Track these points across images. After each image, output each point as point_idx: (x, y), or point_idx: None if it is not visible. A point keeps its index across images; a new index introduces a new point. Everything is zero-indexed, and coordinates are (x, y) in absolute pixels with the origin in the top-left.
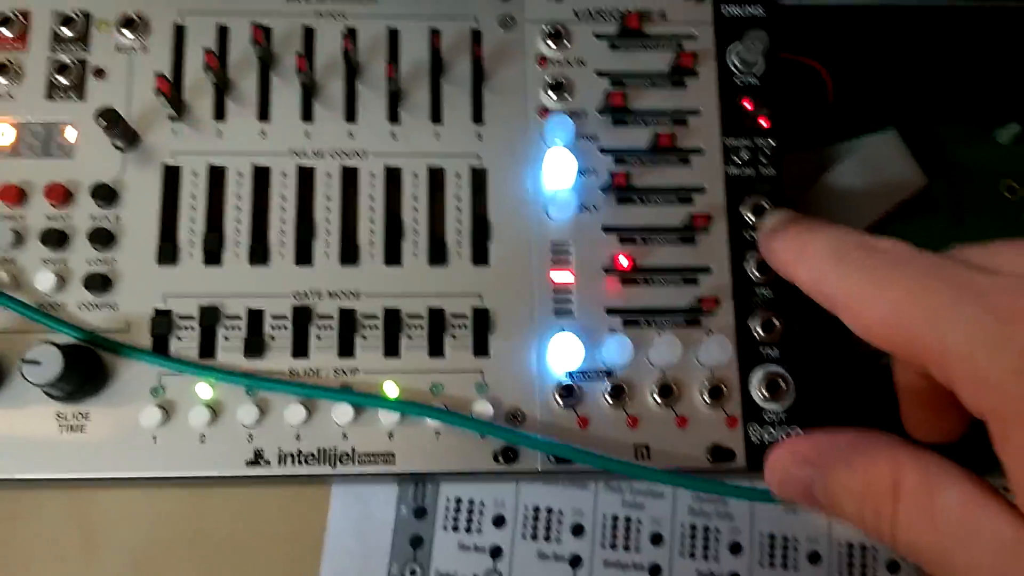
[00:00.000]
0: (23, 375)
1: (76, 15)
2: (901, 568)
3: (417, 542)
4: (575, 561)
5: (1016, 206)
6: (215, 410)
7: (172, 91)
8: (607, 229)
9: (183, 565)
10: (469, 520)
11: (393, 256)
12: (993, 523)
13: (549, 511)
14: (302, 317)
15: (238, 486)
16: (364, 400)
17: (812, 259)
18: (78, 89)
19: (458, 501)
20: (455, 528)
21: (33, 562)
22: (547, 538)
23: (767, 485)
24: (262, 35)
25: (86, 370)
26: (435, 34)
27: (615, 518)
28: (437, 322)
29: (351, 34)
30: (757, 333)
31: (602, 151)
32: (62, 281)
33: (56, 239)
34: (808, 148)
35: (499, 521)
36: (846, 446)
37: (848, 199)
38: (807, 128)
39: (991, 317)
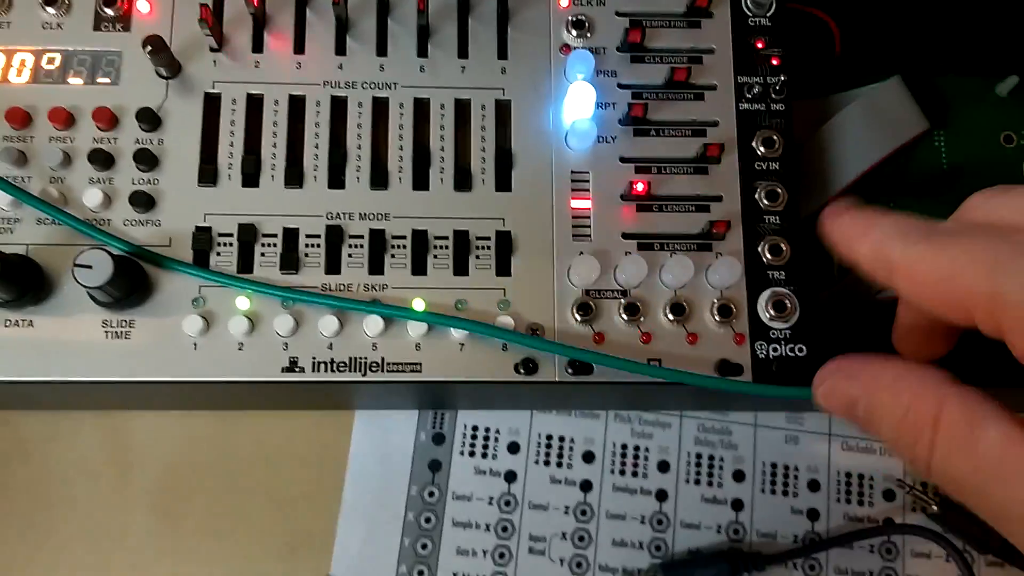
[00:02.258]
0: (75, 278)
1: None
2: (896, 497)
3: (435, 466)
4: (586, 485)
5: (1013, 155)
6: (252, 320)
7: (214, 22)
8: (624, 159)
9: (211, 486)
10: (485, 446)
11: (421, 182)
12: None
13: (561, 439)
14: (334, 236)
15: (268, 401)
16: (393, 311)
17: (878, 235)
18: (124, 21)
19: (474, 428)
20: (471, 453)
21: (69, 481)
22: (559, 464)
23: (813, 393)
24: None
25: (132, 279)
26: None
27: (624, 446)
28: (462, 243)
29: None
30: (765, 257)
31: (620, 86)
32: (108, 199)
33: (103, 159)
34: (815, 96)
35: (513, 448)
36: (895, 374)
37: (852, 141)
38: (814, 77)
39: None
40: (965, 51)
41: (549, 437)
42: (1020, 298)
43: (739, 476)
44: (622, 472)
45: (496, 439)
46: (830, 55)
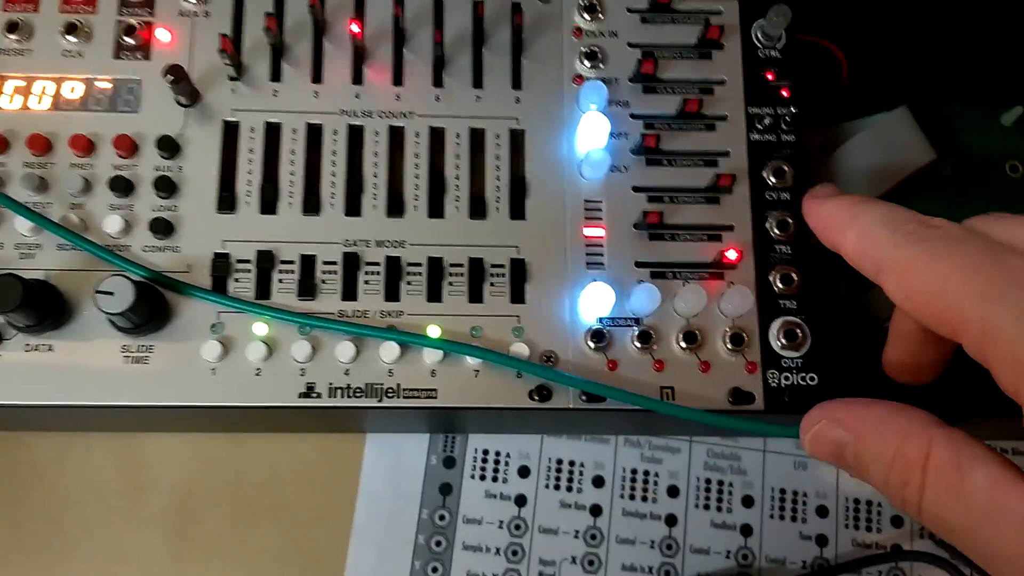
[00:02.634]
0: (97, 304)
1: None
2: (904, 523)
3: (446, 489)
4: (595, 510)
5: (1018, 184)
6: (270, 346)
7: (233, 51)
8: (637, 189)
9: (223, 508)
10: (496, 470)
11: (436, 209)
12: (1020, 502)
13: (571, 463)
14: (351, 263)
15: (284, 427)
16: (409, 338)
17: (864, 225)
18: (144, 50)
19: (485, 452)
20: (482, 477)
21: (81, 502)
22: (569, 488)
23: (801, 440)
24: (318, 1)
25: (152, 305)
26: (478, 5)
27: (634, 471)
28: (477, 271)
29: (400, 2)
30: (776, 286)
31: (633, 117)
32: (128, 225)
33: (123, 186)
34: (824, 125)
35: (524, 472)
36: (881, 416)
37: (859, 171)
38: (823, 107)
39: None
40: (971, 81)
41: (559, 461)
42: (1011, 333)
43: (748, 501)
44: (632, 497)
45: (507, 463)
46: (838, 84)
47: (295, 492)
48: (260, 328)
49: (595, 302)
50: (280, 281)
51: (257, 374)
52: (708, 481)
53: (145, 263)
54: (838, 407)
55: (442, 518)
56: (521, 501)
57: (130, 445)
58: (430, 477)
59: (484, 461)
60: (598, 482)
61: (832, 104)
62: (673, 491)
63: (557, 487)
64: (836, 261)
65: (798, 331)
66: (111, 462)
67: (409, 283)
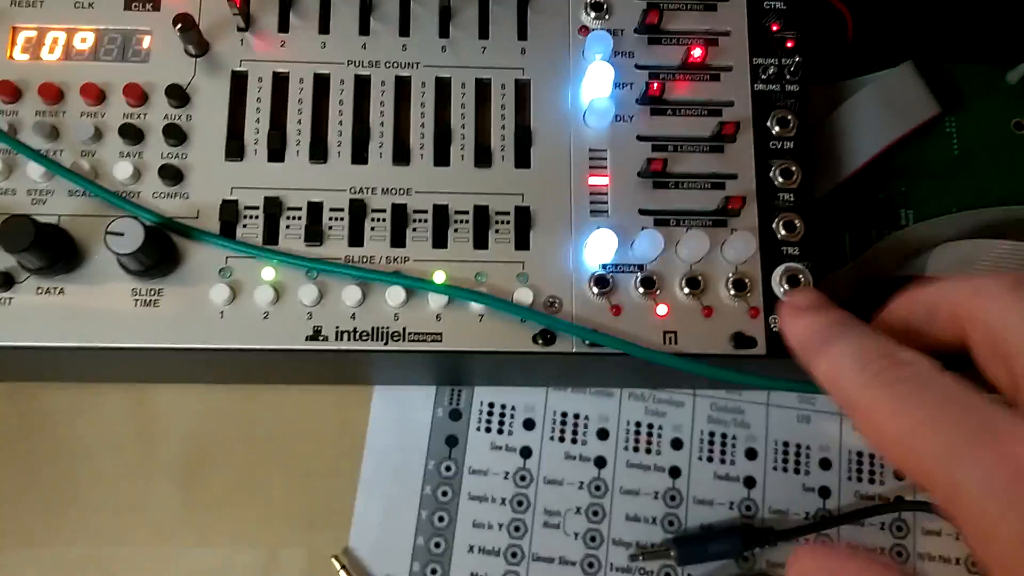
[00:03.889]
0: (107, 244)
1: None
2: (907, 477)
3: (452, 441)
4: (600, 462)
5: (1022, 140)
6: (278, 290)
7: (242, 2)
8: (641, 138)
9: (233, 459)
10: (501, 422)
11: (442, 158)
12: None
13: (576, 416)
14: (357, 210)
15: (290, 374)
16: (415, 283)
17: (834, 357)
18: (153, 1)
19: (491, 405)
20: (488, 429)
21: (94, 453)
22: (574, 440)
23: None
24: None
25: (162, 247)
26: None
27: (638, 424)
28: (482, 218)
29: None
30: (779, 233)
31: (638, 67)
32: (138, 172)
33: (133, 134)
34: (829, 83)
35: (529, 424)
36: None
37: (864, 125)
38: (828, 64)
39: (1005, 470)
40: (976, 39)
41: (564, 414)
42: (980, 503)
43: (751, 454)
44: (636, 449)
45: (512, 416)
46: (843, 42)
47: (303, 444)
48: (268, 273)
49: (599, 248)
50: (287, 227)
51: (265, 317)
52: (712, 434)
53: (155, 209)
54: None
55: (448, 469)
56: (526, 453)
57: (141, 397)
58: (436, 429)
59: (490, 414)
60: (602, 435)
61: (837, 61)
62: (677, 444)
63: (562, 439)
64: (840, 213)
65: (800, 277)
66: (122, 413)
67: (415, 230)
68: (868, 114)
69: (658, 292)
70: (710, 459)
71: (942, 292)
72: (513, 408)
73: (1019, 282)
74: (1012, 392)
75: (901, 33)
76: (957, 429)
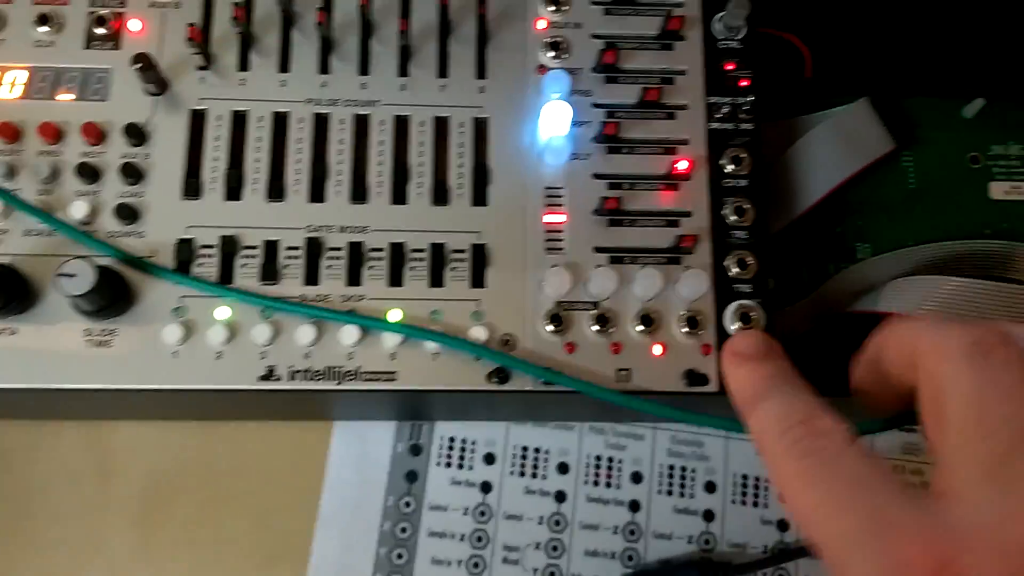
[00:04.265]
0: (58, 287)
1: None
2: None
3: (412, 476)
4: (560, 496)
5: (978, 175)
6: (231, 330)
7: (202, 41)
8: (597, 176)
9: (191, 495)
10: (462, 457)
11: (399, 196)
12: None
13: (536, 450)
14: (314, 248)
15: (243, 418)
16: (368, 322)
17: (761, 415)
18: (115, 40)
19: (451, 440)
20: (448, 464)
21: (50, 489)
22: (534, 475)
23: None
24: None
25: (113, 288)
26: None
27: (598, 458)
28: (438, 256)
29: None
30: (732, 271)
31: (595, 106)
32: (94, 211)
33: (90, 173)
34: (785, 118)
35: (490, 459)
36: None
37: (819, 161)
38: (785, 100)
39: (888, 566)
40: (933, 74)
41: (525, 448)
42: None
43: (711, 487)
44: (596, 483)
45: (473, 450)
46: (800, 78)
47: (263, 480)
48: (222, 312)
49: (554, 286)
50: (243, 266)
51: (218, 357)
52: (671, 467)
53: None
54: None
55: (408, 505)
56: (487, 488)
57: (99, 433)
58: (396, 464)
59: (450, 448)
60: (563, 469)
61: (794, 97)
62: (637, 477)
63: (522, 474)
64: (798, 245)
65: (753, 314)
66: (80, 450)
67: (371, 268)
68: (823, 150)
69: (612, 330)
70: (670, 492)
71: (905, 337)
72: (474, 443)
73: (977, 348)
74: (938, 457)
75: (859, 68)
76: (854, 515)
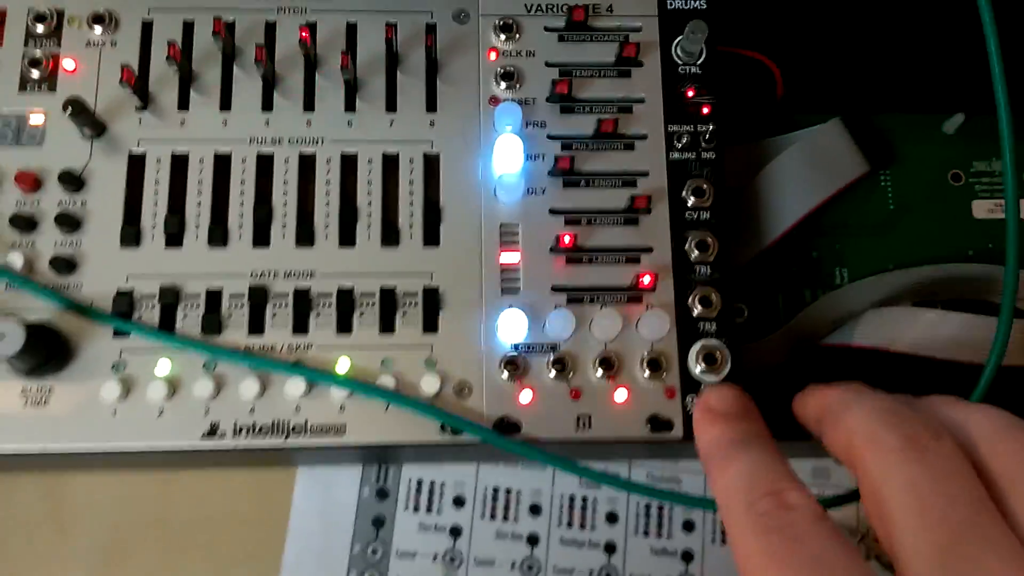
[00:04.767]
0: None
1: (49, 13)
2: None
3: (379, 522)
4: (532, 539)
5: (961, 193)
6: (173, 385)
7: (137, 81)
8: (553, 211)
9: (151, 546)
10: (430, 501)
11: (347, 238)
12: None
13: (508, 492)
14: (258, 296)
15: (202, 466)
16: (314, 376)
17: (728, 481)
18: (50, 82)
19: (419, 483)
20: (416, 508)
21: (7, 542)
22: (505, 517)
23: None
24: (224, 28)
25: (48, 345)
26: (390, 27)
27: (571, 498)
28: (388, 300)
29: (311, 28)
30: (695, 309)
31: (550, 137)
32: (30, 263)
33: (24, 223)
34: (757, 139)
35: (459, 502)
36: None
37: (790, 186)
38: (756, 122)
39: None
40: (910, 88)
41: (495, 490)
42: None
43: (689, 526)
44: (570, 524)
45: (441, 493)
46: (772, 97)
47: (224, 529)
48: (163, 367)
49: (510, 329)
50: (184, 316)
51: (160, 415)
52: (648, 506)
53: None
54: None
55: (375, 552)
56: (456, 532)
57: (54, 484)
58: (362, 510)
59: (418, 492)
60: (535, 510)
61: (766, 118)
62: (612, 518)
63: (493, 516)
64: (772, 271)
65: (717, 354)
66: (36, 502)
67: (318, 315)
68: (793, 175)
69: (571, 374)
70: (646, 533)
71: (839, 427)
72: (443, 485)
73: (912, 443)
74: (888, 552)
75: (834, 85)
76: None
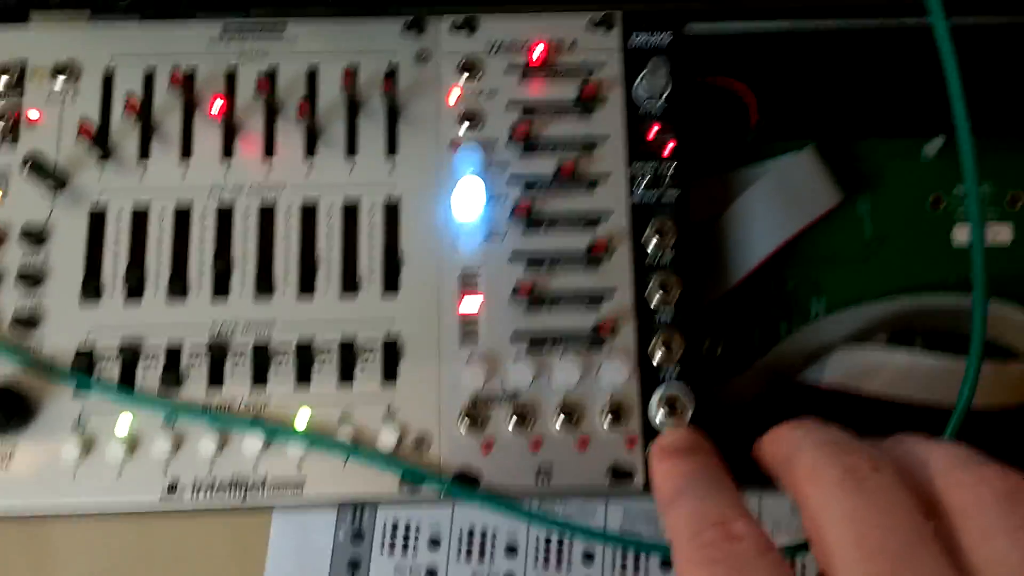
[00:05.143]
0: None
1: (12, 65)
2: None
3: (355, 565)
4: None
5: (941, 219)
6: (132, 443)
7: (96, 135)
8: (514, 256)
9: None
10: (405, 542)
11: (307, 287)
12: None
13: (484, 532)
14: (218, 349)
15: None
16: (273, 432)
17: (677, 515)
18: (13, 132)
19: (395, 524)
20: (392, 551)
21: None
22: (481, 558)
23: None
24: (182, 79)
25: (10, 408)
26: (348, 72)
27: (548, 538)
28: (348, 351)
29: (271, 73)
30: (657, 355)
31: (511, 180)
32: None
33: None
34: (733, 168)
35: (435, 542)
36: None
37: (761, 219)
38: (730, 151)
39: None
40: (888, 112)
41: (471, 531)
42: None
43: (667, 564)
44: (546, 564)
45: (417, 535)
46: (745, 126)
47: (201, 573)
48: (122, 425)
49: (468, 379)
50: (144, 371)
51: (119, 474)
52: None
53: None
54: None
55: None
56: (432, 573)
57: (36, 531)
58: (338, 553)
59: (394, 534)
60: (511, 551)
61: (740, 147)
62: (588, 557)
63: (469, 557)
64: (747, 304)
65: (679, 402)
66: (16, 547)
67: (278, 367)
68: (763, 209)
69: (531, 425)
70: (623, 568)
71: (783, 462)
72: (418, 527)
73: (850, 475)
74: None
75: (811, 109)
76: None
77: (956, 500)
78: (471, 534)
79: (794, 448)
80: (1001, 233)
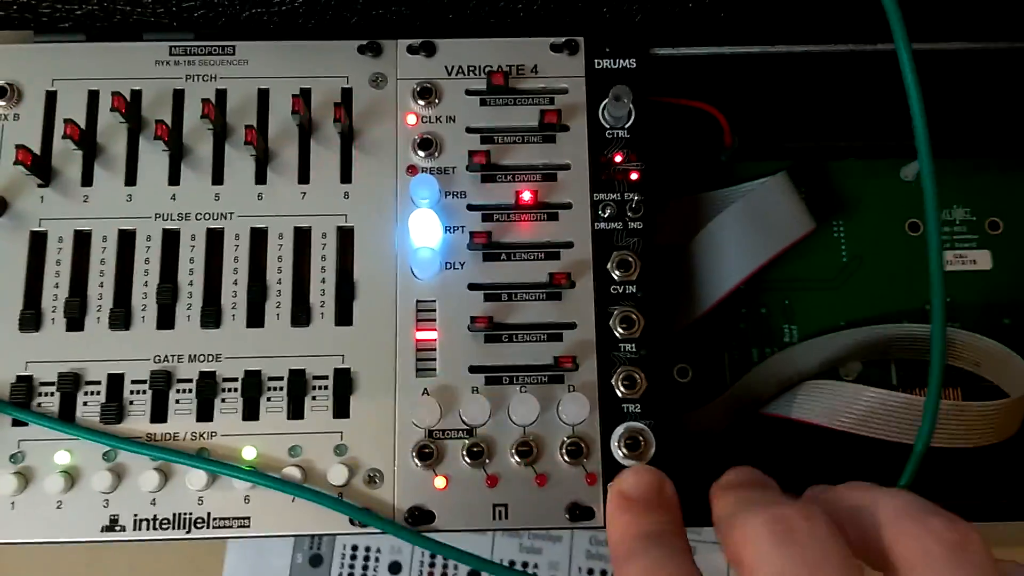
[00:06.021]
0: None
1: None
2: None
3: None
4: None
5: (918, 243)
6: (72, 476)
7: (39, 158)
8: (472, 287)
9: None
10: (365, 567)
11: (256, 318)
12: None
13: (445, 557)
14: (161, 381)
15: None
16: (217, 468)
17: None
18: None
19: (354, 548)
20: (351, 575)
21: None
22: None
23: None
24: (125, 102)
25: None
26: (298, 96)
27: (512, 563)
28: (298, 384)
29: (221, 95)
30: (619, 390)
31: (470, 208)
32: None
33: None
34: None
35: (395, 568)
36: None
37: (732, 245)
38: (703, 173)
39: None
40: (865, 133)
41: (433, 555)
42: None
43: None
44: None
45: (377, 559)
46: (719, 147)
47: None
48: (62, 457)
49: (422, 414)
50: (85, 404)
51: (58, 507)
52: (591, 571)
53: None
54: None
55: None
56: None
57: None
58: None
59: (353, 558)
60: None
61: (713, 168)
62: None
63: None
64: (719, 332)
65: (640, 438)
66: None
67: (224, 400)
68: (734, 235)
69: (488, 461)
70: None
71: (719, 517)
72: (378, 550)
73: (781, 526)
74: None
75: (785, 131)
76: None
77: (903, 551)
78: (433, 558)
79: (727, 513)
80: (980, 259)
